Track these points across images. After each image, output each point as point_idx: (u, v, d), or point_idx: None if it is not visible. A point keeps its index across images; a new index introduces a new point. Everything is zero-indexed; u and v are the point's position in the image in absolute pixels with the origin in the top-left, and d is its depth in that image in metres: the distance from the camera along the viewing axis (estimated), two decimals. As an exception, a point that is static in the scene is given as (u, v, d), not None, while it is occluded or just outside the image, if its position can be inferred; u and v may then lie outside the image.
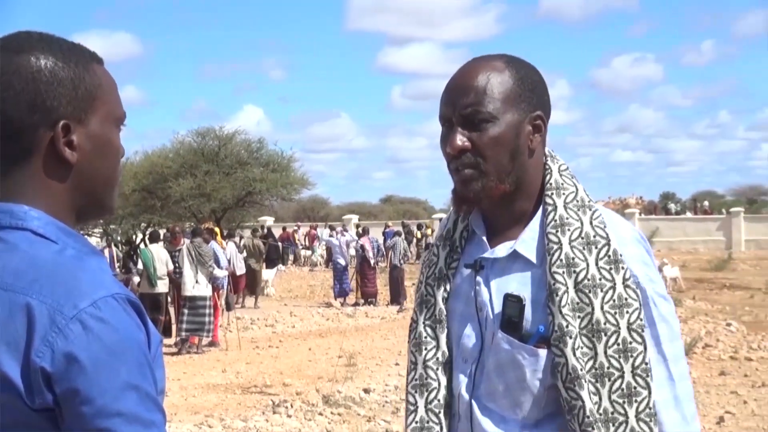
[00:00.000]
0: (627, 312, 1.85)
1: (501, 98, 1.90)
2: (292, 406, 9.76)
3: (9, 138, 1.44)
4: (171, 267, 15.58)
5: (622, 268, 1.87)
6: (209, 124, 37.88)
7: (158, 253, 15.73)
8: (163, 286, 15.54)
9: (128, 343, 1.36)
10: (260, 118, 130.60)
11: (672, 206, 57.40)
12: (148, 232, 19.85)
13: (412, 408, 1.98)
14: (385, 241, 24.24)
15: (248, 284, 22.27)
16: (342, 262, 22.88)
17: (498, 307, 1.91)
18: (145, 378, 1.37)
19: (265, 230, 30.91)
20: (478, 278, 1.97)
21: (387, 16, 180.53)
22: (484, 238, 2.00)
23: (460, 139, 1.89)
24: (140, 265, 16.13)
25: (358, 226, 32.03)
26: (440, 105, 1.96)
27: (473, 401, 1.94)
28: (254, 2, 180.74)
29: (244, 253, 22.56)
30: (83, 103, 1.48)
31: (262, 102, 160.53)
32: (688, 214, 49.91)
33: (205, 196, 31.52)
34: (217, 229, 19.08)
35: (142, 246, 17.07)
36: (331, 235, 25.92)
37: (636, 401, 1.83)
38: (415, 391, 1.98)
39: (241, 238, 23.65)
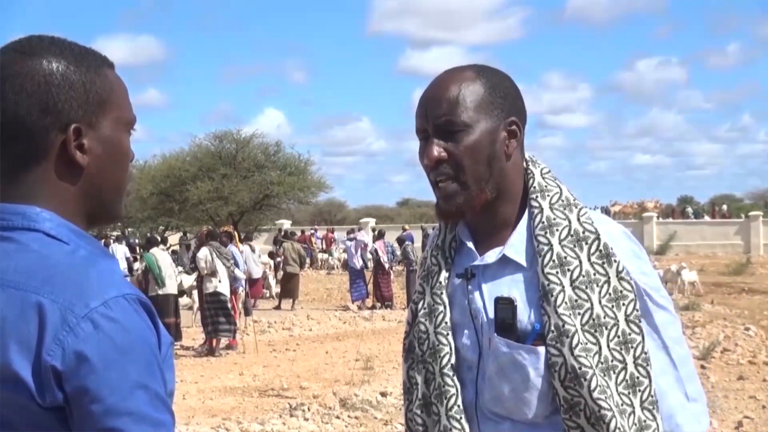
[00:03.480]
0: (623, 304, 1.88)
1: (473, 107, 1.92)
2: (309, 410, 9.75)
3: (21, 140, 1.45)
4: (172, 270, 15.63)
5: (615, 261, 1.91)
6: (230, 127, 38.07)
7: (160, 256, 15.77)
8: (171, 288, 15.57)
9: (138, 343, 1.37)
10: (281, 121, 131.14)
11: (689, 209, 57.09)
12: (145, 238, 19.85)
13: (435, 418, 1.98)
14: (401, 244, 24.18)
15: (288, 288, 22.20)
16: (356, 265, 22.87)
17: (491, 312, 1.93)
18: (154, 378, 1.38)
19: (282, 233, 30.96)
20: (470, 286, 1.98)
21: (409, 19, 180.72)
22: (473, 247, 2.02)
23: (437, 150, 1.92)
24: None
25: (374, 229, 31.99)
26: (415, 118, 1.99)
27: (477, 409, 1.96)
28: (277, 5, 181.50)
29: (288, 258, 22.38)
30: (94, 106, 1.49)
31: (283, 105, 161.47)
32: (706, 218, 49.63)
33: (223, 200, 31.66)
34: (235, 233, 19.13)
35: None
36: (348, 240, 25.88)
37: (639, 390, 1.87)
38: (437, 401, 1.99)
39: (281, 243, 23.43)
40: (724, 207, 53.77)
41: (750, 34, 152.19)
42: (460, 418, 1.96)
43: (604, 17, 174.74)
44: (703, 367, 11.82)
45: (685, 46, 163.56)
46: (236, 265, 15.70)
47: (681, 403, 1.95)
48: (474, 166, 1.92)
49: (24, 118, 1.44)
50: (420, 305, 2.07)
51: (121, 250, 19.85)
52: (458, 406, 1.96)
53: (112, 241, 26.48)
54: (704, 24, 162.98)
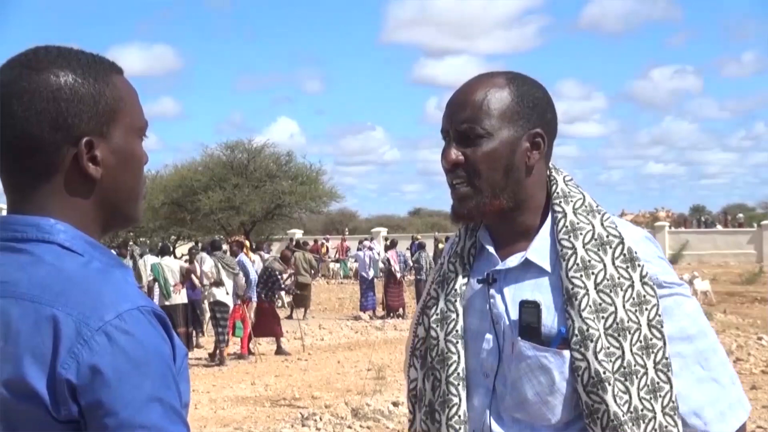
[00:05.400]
0: (646, 309, 1.88)
1: (497, 115, 1.92)
2: (321, 419, 9.75)
3: (33, 155, 1.45)
4: (177, 278, 15.65)
5: (639, 265, 1.91)
6: (243, 136, 38.17)
7: (169, 266, 15.78)
8: (179, 297, 15.61)
9: (153, 356, 1.36)
10: (295, 130, 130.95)
11: (702, 219, 56.90)
12: (159, 246, 19.82)
13: (437, 426, 1.99)
14: (411, 254, 24.16)
15: (300, 297, 22.02)
16: (368, 276, 22.83)
17: (514, 316, 1.92)
18: (169, 390, 1.37)
19: (294, 242, 30.94)
20: (492, 291, 1.98)
21: (424, 28, 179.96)
22: (494, 252, 2.01)
23: (454, 153, 1.93)
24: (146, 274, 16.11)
25: (386, 239, 31.99)
26: (442, 118, 1.99)
27: (491, 414, 1.95)
28: (291, 15, 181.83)
29: (299, 267, 22.18)
30: (105, 117, 1.48)
31: (296, 114, 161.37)
32: (718, 227, 49.43)
33: (234, 209, 31.74)
34: (246, 242, 19.12)
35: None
36: (359, 249, 25.85)
37: (660, 396, 1.87)
38: (440, 409, 1.99)
39: (293, 252, 23.19)
40: (740, 216, 53.46)
41: (765, 43, 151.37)
42: (459, 428, 1.96)
43: (619, 26, 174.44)
44: (716, 376, 11.76)
45: (699, 55, 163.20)
46: (247, 274, 15.71)
47: (716, 391, 1.95)
48: (489, 173, 1.92)
49: (35, 135, 1.43)
50: (432, 311, 2.06)
51: (150, 261, 19.84)
52: (459, 416, 1.97)
53: (131, 251, 26.33)
54: (719, 32, 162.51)
